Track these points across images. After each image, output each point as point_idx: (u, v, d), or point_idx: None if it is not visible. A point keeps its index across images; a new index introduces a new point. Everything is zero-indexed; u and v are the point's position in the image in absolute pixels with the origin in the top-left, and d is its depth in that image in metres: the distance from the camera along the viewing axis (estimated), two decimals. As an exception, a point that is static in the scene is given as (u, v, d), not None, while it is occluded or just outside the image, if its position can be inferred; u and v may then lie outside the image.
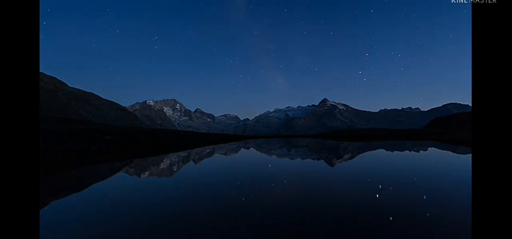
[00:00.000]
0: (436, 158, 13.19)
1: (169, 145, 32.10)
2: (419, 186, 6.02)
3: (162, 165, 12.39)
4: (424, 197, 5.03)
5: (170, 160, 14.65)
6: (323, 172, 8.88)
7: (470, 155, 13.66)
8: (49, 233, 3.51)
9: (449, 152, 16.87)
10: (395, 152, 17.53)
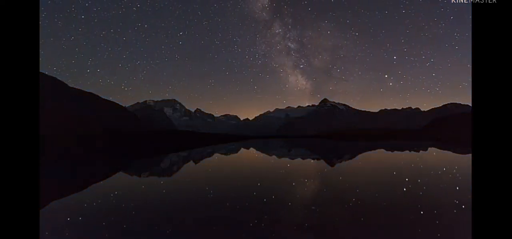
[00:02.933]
0: (436, 158, 13.19)
1: (169, 145, 32.08)
2: (419, 186, 6.01)
3: (162, 166, 12.38)
4: (424, 197, 5.02)
5: (170, 160, 14.64)
6: (324, 172, 8.87)
7: (470, 155, 13.67)
8: (49, 233, 3.51)
9: (449, 152, 16.88)
10: (395, 152, 17.54)
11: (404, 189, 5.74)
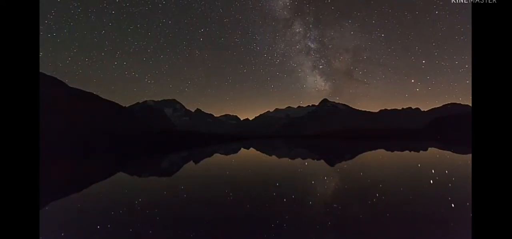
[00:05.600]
0: (436, 158, 13.18)
1: (169, 145, 32.08)
2: (419, 186, 6.00)
3: (162, 165, 12.38)
4: (424, 196, 5.01)
5: (170, 160, 14.64)
6: (324, 172, 8.86)
7: (470, 155, 13.66)
8: (49, 233, 3.51)
9: (449, 152, 16.87)
10: (395, 152, 17.52)
11: (404, 190, 5.73)
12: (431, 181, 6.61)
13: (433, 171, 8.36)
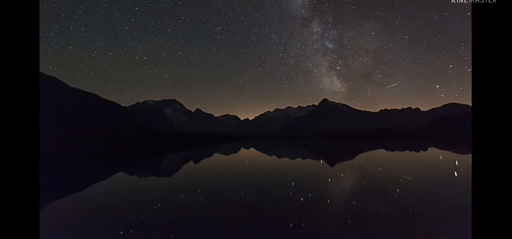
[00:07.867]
0: (436, 158, 13.18)
1: (169, 145, 32.07)
2: (419, 186, 6.00)
3: (162, 165, 12.38)
4: (424, 196, 5.01)
5: (170, 160, 14.63)
6: (324, 172, 8.86)
7: (470, 155, 13.65)
8: (49, 233, 3.51)
9: (449, 152, 16.86)
10: (395, 152, 17.52)
11: (403, 190, 5.72)
12: (431, 181, 6.60)
13: (432, 171, 8.34)
